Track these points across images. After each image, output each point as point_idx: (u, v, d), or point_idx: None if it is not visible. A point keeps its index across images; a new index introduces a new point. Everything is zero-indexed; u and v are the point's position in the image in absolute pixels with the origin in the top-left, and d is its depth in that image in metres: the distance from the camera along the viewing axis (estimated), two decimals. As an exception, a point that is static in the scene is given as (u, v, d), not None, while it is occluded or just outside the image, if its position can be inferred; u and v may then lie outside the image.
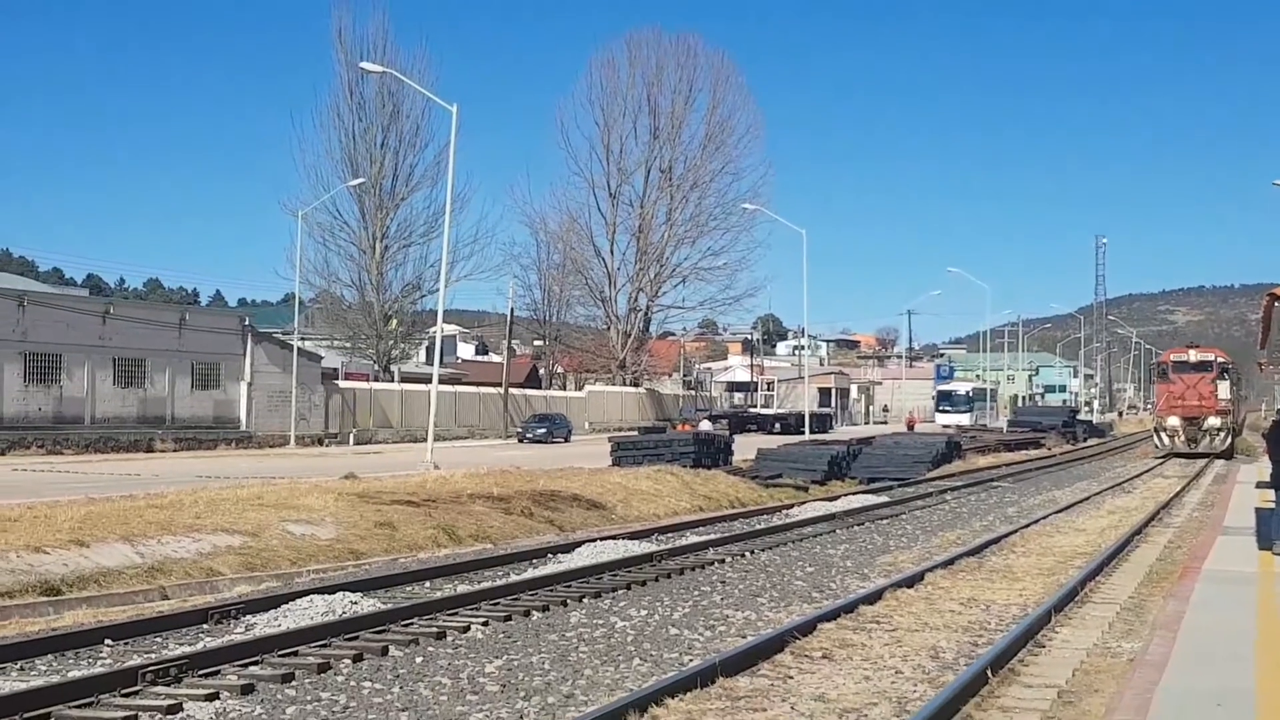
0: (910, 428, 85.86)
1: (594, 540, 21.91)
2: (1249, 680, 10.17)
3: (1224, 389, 59.50)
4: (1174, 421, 59.37)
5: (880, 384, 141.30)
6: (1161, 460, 56.40)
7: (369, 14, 78.43)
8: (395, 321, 76.55)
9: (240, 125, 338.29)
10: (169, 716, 9.93)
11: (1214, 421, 58.77)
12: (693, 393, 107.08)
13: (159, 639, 13.36)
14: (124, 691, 10.47)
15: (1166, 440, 59.67)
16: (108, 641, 12.95)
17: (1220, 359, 61.02)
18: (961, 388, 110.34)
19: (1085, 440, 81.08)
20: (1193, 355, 61.40)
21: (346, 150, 74.95)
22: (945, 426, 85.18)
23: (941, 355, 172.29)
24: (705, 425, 60.89)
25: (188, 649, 12.38)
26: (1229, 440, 59.37)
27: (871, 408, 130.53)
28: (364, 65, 55.94)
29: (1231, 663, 10.91)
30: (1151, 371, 69.31)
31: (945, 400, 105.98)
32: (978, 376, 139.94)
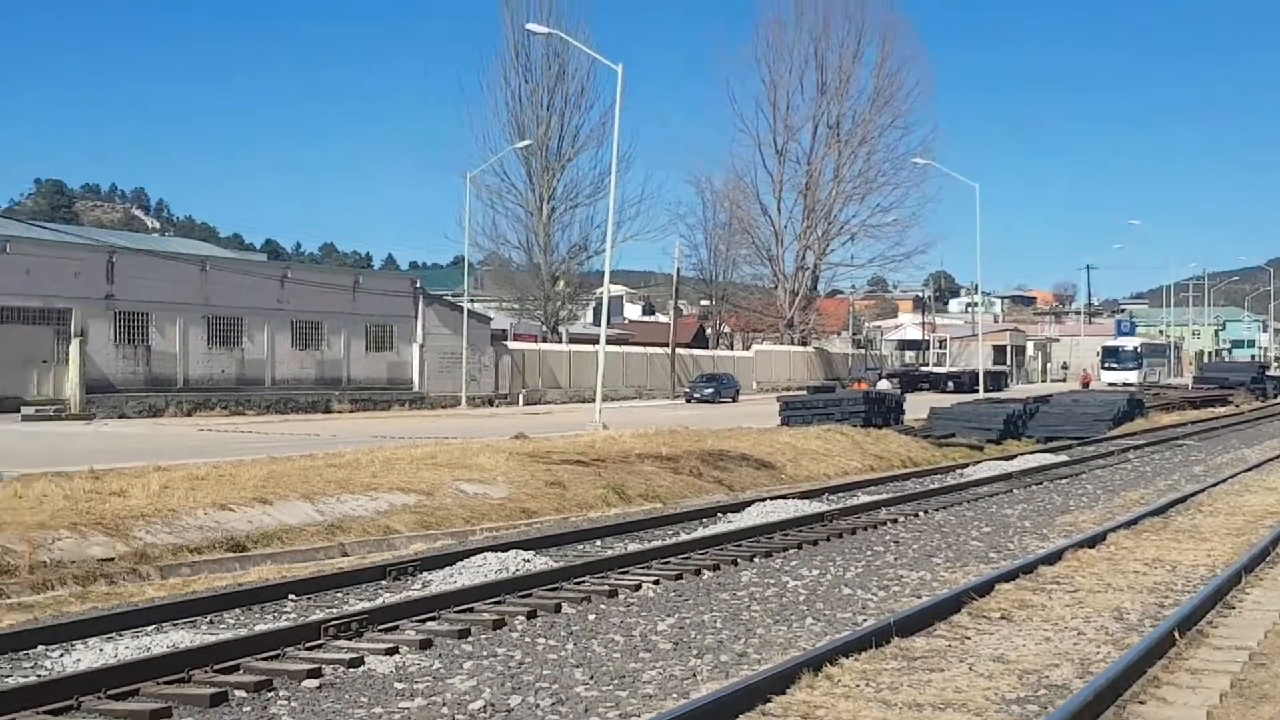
0: (1085, 385, 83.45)
1: (763, 500, 21.80)
2: None
3: None
4: None
5: (1058, 341, 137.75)
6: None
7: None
8: (563, 283, 77.24)
9: (410, 90, 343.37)
10: (351, 670, 10.11)
11: None
12: (862, 351, 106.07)
13: (339, 594, 13.65)
14: (308, 645, 10.69)
15: None
16: (291, 596, 13.28)
17: None
18: (1129, 343, 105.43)
19: (1275, 397, 78.35)
20: None
21: (513, 112, 75.81)
22: (1111, 385, 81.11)
23: (1122, 310, 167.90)
24: (884, 385, 60.18)
25: (367, 604, 12.61)
26: None
27: (1049, 365, 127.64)
28: (530, 27, 56.33)
29: None
30: None
31: (1111, 357, 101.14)
32: (1160, 332, 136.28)
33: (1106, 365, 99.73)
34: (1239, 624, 11.71)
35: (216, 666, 9.86)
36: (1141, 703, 8.90)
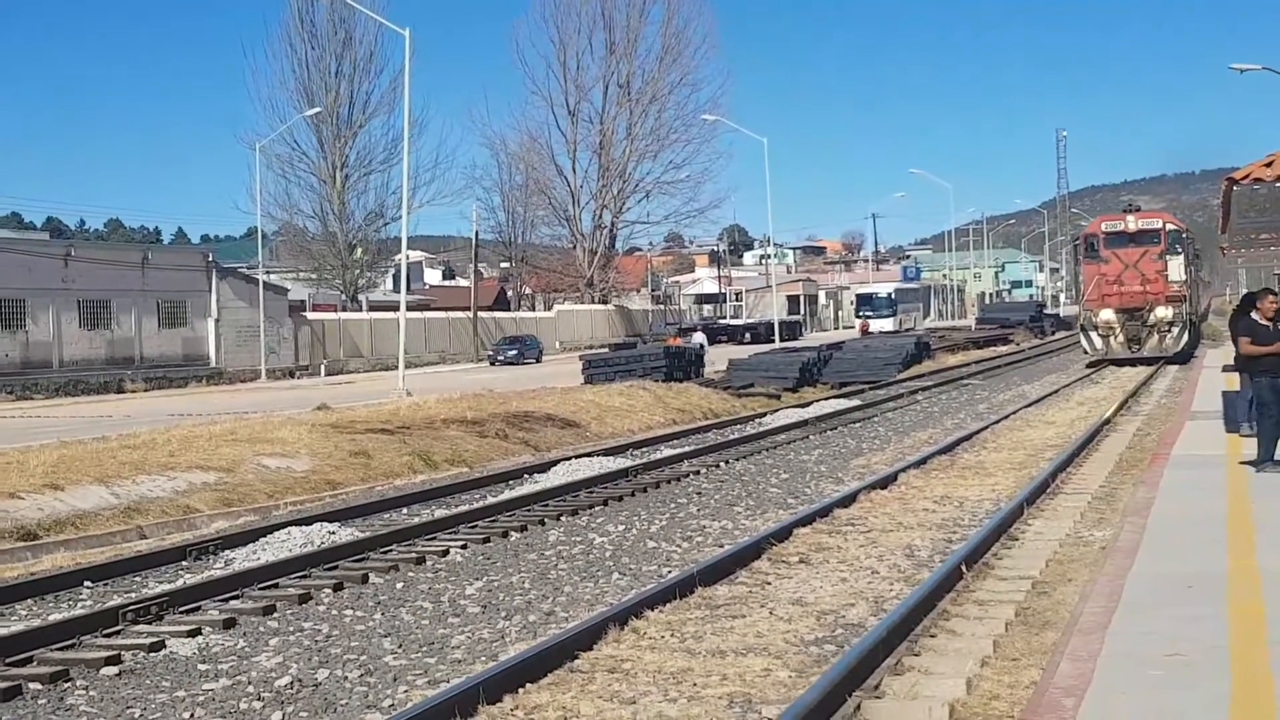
0: (864, 333, 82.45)
1: (569, 459, 21.99)
2: (1220, 562, 10.32)
3: (1176, 267, 45.33)
4: (1108, 315, 44.90)
5: (848, 289, 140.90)
6: (1090, 370, 43.63)
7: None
8: (360, 250, 76.17)
9: (192, 59, 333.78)
10: (152, 654, 9.97)
11: (1163, 312, 44.61)
12: (661, 307, 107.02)
13: (138, 578, 13.40)
14: (106, 631, 10.50)
15: (1098, 342, 45.48)
16: (87, 583, 12.99)
17: (1170, 226, 46.53)
18: (883, 289, 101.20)
19: (1053, 334, 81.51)
20: (1132, 222, 46.21)
21: (300, 80, 74.33)
22: (866, 333, 78.18)
23: (908, 257, 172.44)
24: (699, 337, 60.69)
25: (167, 586, 12.42)
26: (1184, 337, 45.36)
27: (841, 313, 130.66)
28: (313, -8, 55.12)
29: (1202, 545, 11.07)
30: (1076, 249, 51.58)
31: (865, 305, 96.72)
32: (944, 276, 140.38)
33: (861, 314, 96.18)
34: (1022, 554, 12.27)
35: (8, 659, 9.63)
36: (932, 636, 9.29)
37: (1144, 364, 42.68)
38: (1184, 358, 44.81)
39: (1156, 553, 10.80)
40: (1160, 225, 46.37)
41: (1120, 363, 44.16)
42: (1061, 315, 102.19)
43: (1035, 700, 7.09)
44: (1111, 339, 45.18)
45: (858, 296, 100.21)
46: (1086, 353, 46.34)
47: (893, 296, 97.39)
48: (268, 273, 67.12)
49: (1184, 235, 46.94)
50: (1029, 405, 29.88)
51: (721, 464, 21.56)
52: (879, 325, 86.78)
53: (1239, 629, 8.21)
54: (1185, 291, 45.39)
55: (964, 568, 11.10)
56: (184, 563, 14.12)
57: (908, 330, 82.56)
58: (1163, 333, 44.83)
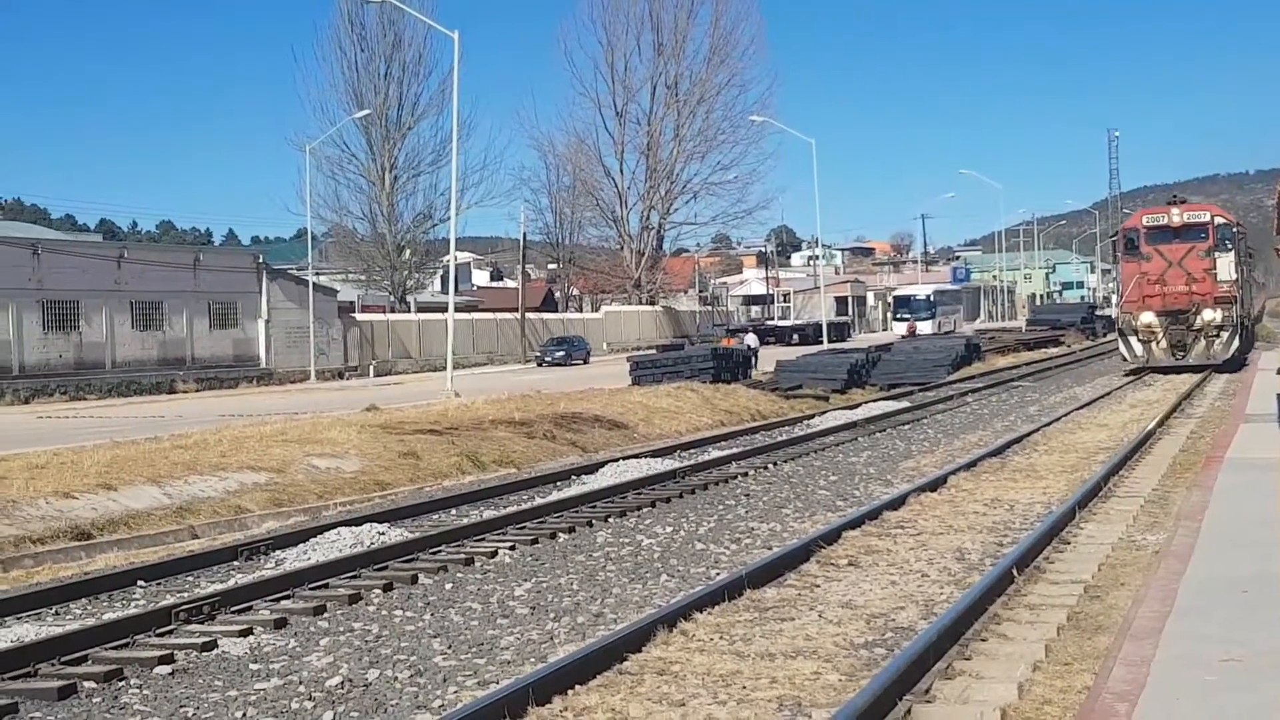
0: (912, 334, 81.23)
1: (617, 460, 22.00)
2: (1274, 565, 10.20)
3: (1225, 265, 41.05)
4: (1149, 319, 40.65)
5: (897, 290, 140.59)
6: (1131, 378, 39.71)
7: (365, -57, 77.54)
8: (409, 252, 76.55)
9: (243, 62, 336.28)
10: (204, 653, 10.03)
11: (1211, 315, 40.25)
12: (709, 308, 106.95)
13: (190, 578, 13.49)
14: (159, 631, 10.58)
15: (1138, 348, 41.15)
16: (140, 582, 13.08)
17: (1219, 220, 42.14)
18: (922, 291, 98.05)
19: (1105, 335, 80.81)
20: (1176, 215, 41.77)
21: (350, 82, 74.83)
22: (904, 336, 74.36)
23: (958, 258, 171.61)
24: (751, 339, 60.67)
25: (219, 586, 12.50)
26: (1235, 342, 40.88)
27: (889, 315, 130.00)
28: (362, -6, 55.38)
29: (1255, 549, 10.94)
30: (1115, 246, 46.18)
31: (903, 307, 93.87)
32: (994, 277, 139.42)
33: (899, 316, 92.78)
34: (1074, 558, 12.17)
35: (64, 659, 9.72)
36: (983, 640, 9.23)
37: (1189, 372, 39.01)
38: (1234, 365, 40.48)
39: (1210, 556, 10.69)
40: (1208, 219, 41.80)
41: (1163, 370, 40.27)
42: (1113, 317, 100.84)
43: (1088, 705, 7.03)
44: (1153, 344, 40.87)
45: (895, 298, 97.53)
46: (1125, 360, 42.00)
47: (932, 299, 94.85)
48: (317, 274, 67.54)
49: (1234, 230, 42.26)
50: (1080, 408, 29.65)
51: (770, 466, 21.50)
52: (920, 329, 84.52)
53: (1296, 633, 8.12)
54: (1236, 292, 41.02)
55: (1015, 571, 11.02)
56: (235, 563, 14.21)
57: (947, 333, 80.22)
58: (1210, 338, 40.35)
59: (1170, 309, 40.76)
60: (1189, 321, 40.64)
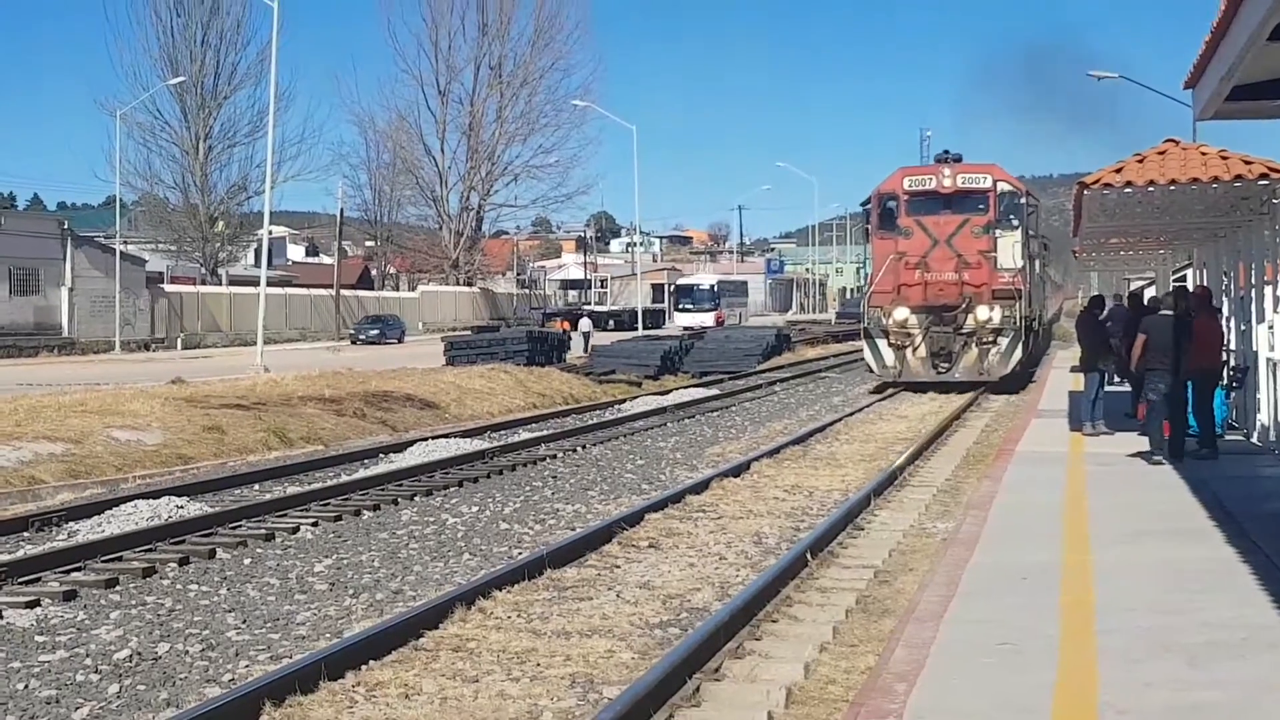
0: (719, 323, 78.52)
1: (426, 439, 21.90)
2: (1054, 554, 10.68)
3: (1009, 247, 31.80)
4: (904, 315, 31.45)
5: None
6: (877, 397, 30.83)
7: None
8: (222, 224, 75.01)
9: (52, 21, 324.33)
10: (-12, 626, 9.78)
11: (986, 314, 31.10)
12: (527, 291, 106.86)
13: (-23, 549, 13.10)
14: (-60, 602, 10.27)
15: (888, 355, 31.76)
16: (-78, 553, 12.67)
17: (1005, 185, 32.36)
18: (705, 281, 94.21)
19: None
20: (948, 177, 31.91)
21: (165, 48, 73.09)
22: (686, 329, 67.38)
23: (772, 250, 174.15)
24: (586, 323, 60.88)
25: (6, 557, 12.14)
26: (1017, 351, 31.33)
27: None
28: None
29: (1038, 538, 11.44)
30: (867, 216, 34.74)
31: (685, 297, 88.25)
32: (807, 270, 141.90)
33: (681, 306, 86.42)
34: (867, 544, 12.55)
35: None
36: (774, 621, 9.48)
37: (956, 391, 30.72)
38: (1016, 382, 32.04)
39: (995, 545, 11.13)
40: (989, 184, 31.92)
41: (920, 388, 31.47)
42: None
43: (869, 684, 7.29)
44: (909, 351, 31.52)
45: (676, 288, 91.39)
46: (871, 371, 32.80)
47: (715, 289, 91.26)
48: (125, 243, 65.67)
49: (1022, 201, 32.84)
50: (883, 399, 30.38)
51: (579, 449, 21.64)
52: (699, 320, 78.78)
53: (1069, 619, 8.51)
54: (1021, 284, 31.62)
55: (809, 556, 11.31)
56: (25, 534, 13.83)
57: (732, 325, 74.77)
58: (984, 345, 31.12)
59: (933, 304, 31.35)
60: (957, 322, 31.29)
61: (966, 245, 31.48)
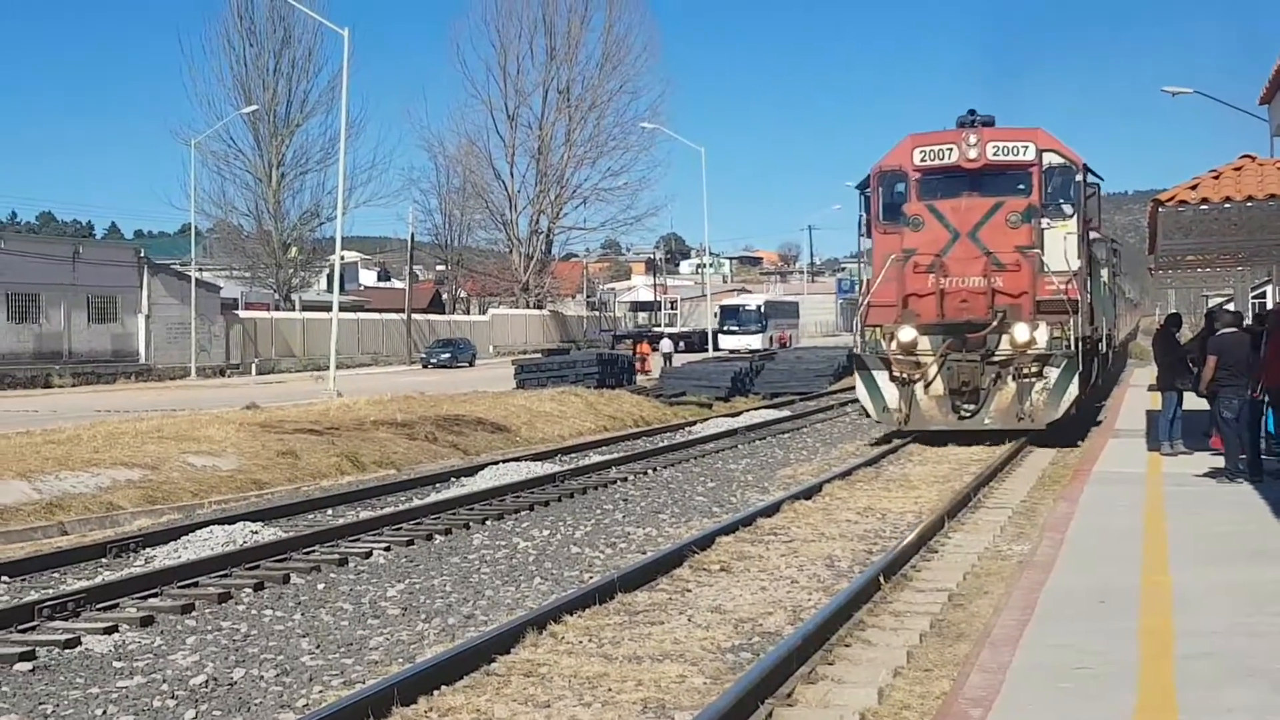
0: (783, 345, 76.84)
1: (497, 463, 21.98)
2: (1132, 577, 10.52)
3: (1059, 242, 23.76)
4: (910, 336, 23.27)
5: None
6: (879, 451, 22.87)
7: (257, -65, 76.76)
8: (295, 249, 75.80)
9: (129, 52, 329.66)
10: (67, 650, 9.89)
11: (1027, 334, 22.76)
12: (597, 314, 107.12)
13: (57, 574, 13.28)
14: (21, 627, 10.41)
15: (889, 393, 23.67)
16: (4, 578, 12.84)
17: (1054, 156, 24.13)
18: (751, 302, 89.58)
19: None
20: (973, 146, 23.91)
21: (239, 77, 74.06)
22: (733, 351, 65.88)
23: (843, 269, 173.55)
24: (667, 344, 60.90)
25: (85, 583, 12.31)
26: (1072, 386, 22.80)
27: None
28: (252, -11, 54.83)
29: (1115, 561, 11.28)
30: (865, 203, 25.50)
31: (730, 319, 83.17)
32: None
33: (725, 329, 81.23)
34: (941, 567, 12.42)
35: (-78, 654, 9.52)
36: (847, 645, 9.39)
37: (983, 444, 22.90)
38: (1070, 431, 23.73)
39: (1072, 567, 10.99)
40: (1032, 155, 23.76)
41: (937, 440, 23.42)
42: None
43: (944, 710, 7.20)
44: (920, 388, 23.30)
45: (720, 309, 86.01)
46: (868, 416, 25.10)
47: (762, 310, 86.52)
48: (200, 270, 66.61)
49: (1079, 179, 24.06)
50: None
51: (649, 471, 21.63)
52: (745, 342, 75.66)
53: (1147, 643, 8.38)
54: (1075, 293, 23.11)
55: (882, 579, 11.21)
56: (104, 559, 14.01)
57: (800, 346, 72.69)
58: (1025, 378, 22.77)
59: (953, 321, 23.09)
60: (987, 346, 23.02)
61: (1000, 239, 23.10)
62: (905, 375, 23.37)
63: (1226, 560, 11.20)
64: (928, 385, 23.36)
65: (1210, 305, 35.52)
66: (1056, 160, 24.05)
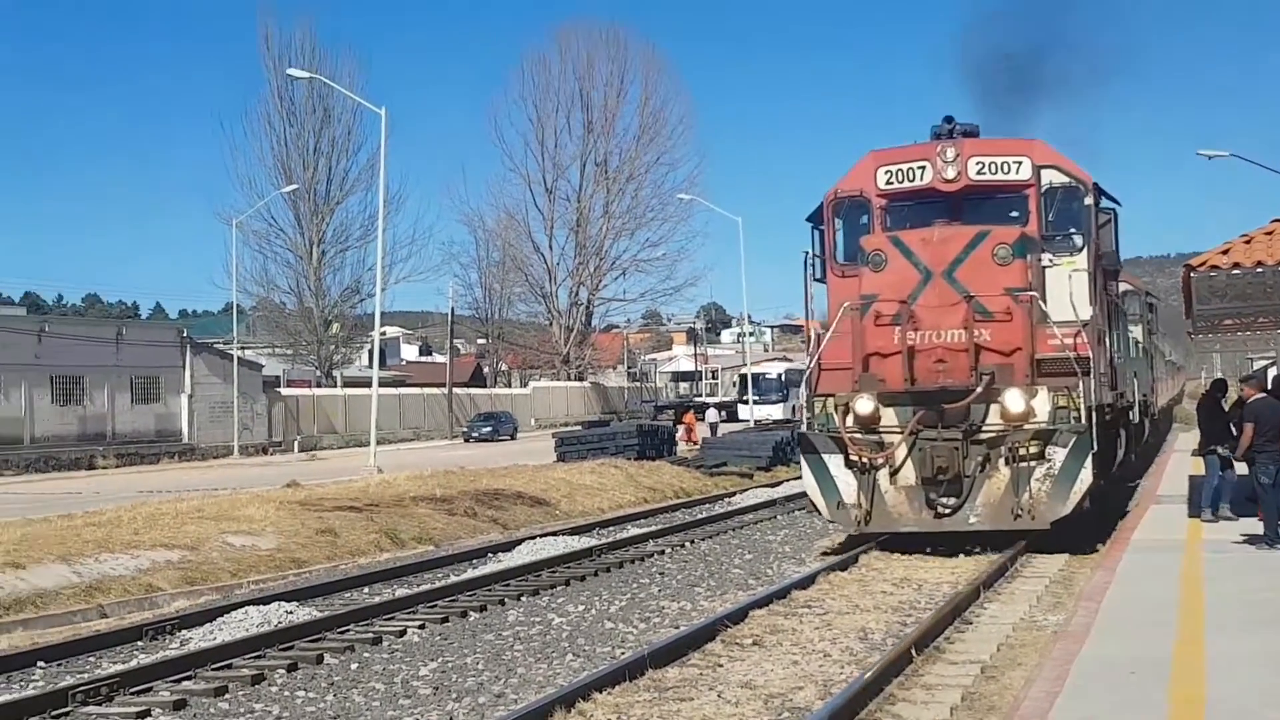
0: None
1: (535, 537, 22.00)
2: (1165, 648, 10.42)
3: (1065, 282, 18.47)
4: (869, 408, 17.98)
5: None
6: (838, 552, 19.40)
7: (295, 20, 78.14)
8: (336, 326, 76.39)
9: (171, 134, 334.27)
10: (100, 736, 9.95)
11: (1021, 404, 17.46)
12: (638, 384, 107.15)
13: (93, 658, 13.34)
14: (54, 713, 10.48)
15: (845, 484, 18.19)
16: (40, 663, 12.91)
17: (1055, 174, 19.09)
18: (771, 370, 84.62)
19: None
20: (950, 162, 18.94)
21: (279, 156, 74.99)
22: (758, 421, 61.51)
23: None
24: (713, 414, 60.67)
25: (120, 667, 12.37)
26: (1083, 470, 17.22)
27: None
28: (291, 72, 56.04)
29: (1150, 631, 11.17)
30: (817, 238, 20.08)
31: (751, 388, 73.36)
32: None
33: (744, 398, 73.40)
34: (974, 638, 12.34)
35: (-44, 741, 9.60)
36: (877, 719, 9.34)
37: (967, 552, 18.18)
38: (1082, 529, 18.38)
39: (1106, 638, 10.90)
40: (1028, 172, 19.11)
41: (910, 545, 18.58)
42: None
43: (970, 786, 7.15)
44: (884, 475, 18.17)
45: (740, 378, 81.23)
46: (820, 513, 19.37)
47: (783, 379, 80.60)
48: (243, 348, 67.18)
49: (1089, 203, 19.28)
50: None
51: (687, 544, 21.59)
52: (766, 412, 71.57)
53: (1178, 713, 8.30)
54: (1086, 348, 17.97)
55: (914, 651, 11.14)
56: (140, 642, 14.07)
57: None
58: (1021, 462, 17.55)
59: (926, 388, 17.98)
60: (970, 420, 17.87)
61: (984, 280, 17.91)
62: (865, 460, 18.10)
63: (1262, 628, 11.08)
64: (894, 473, 18.09)
65: (1254, 368, 35.14)
66: (1059, 179, 19.11)
